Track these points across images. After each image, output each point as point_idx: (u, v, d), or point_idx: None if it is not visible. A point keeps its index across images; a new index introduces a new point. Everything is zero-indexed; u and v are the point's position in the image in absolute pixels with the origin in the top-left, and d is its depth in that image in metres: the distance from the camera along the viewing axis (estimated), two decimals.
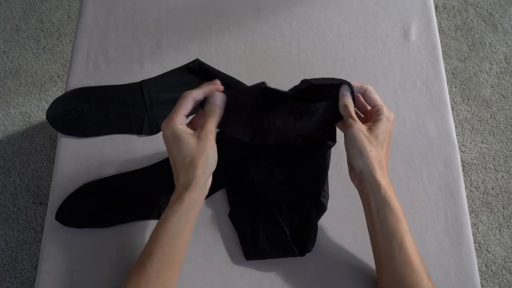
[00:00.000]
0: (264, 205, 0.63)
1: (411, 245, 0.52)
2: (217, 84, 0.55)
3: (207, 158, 0.51)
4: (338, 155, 0.66)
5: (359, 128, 0.53)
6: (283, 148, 0.63)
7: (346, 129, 0.54)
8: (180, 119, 0.53)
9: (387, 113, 0.55)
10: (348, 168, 0.58)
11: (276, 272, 0.60)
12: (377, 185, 0.53)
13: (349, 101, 0.55)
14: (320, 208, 0.62)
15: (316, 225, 0.62)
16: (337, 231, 0.63)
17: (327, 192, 0.63)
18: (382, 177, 0.53)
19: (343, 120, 0.56)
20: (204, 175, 0.52)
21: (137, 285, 0.51)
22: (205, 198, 0.63)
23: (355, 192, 0.64)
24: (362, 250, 0.61)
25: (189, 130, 0.53)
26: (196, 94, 0.54)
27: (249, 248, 0.61)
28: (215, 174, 0.55)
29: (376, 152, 0.53)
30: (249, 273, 0.61)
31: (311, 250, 0.61)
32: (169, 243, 0.52)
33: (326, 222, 0.63)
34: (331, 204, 0.64)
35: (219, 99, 0.54)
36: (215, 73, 0.72)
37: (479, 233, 1.20)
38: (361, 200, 0.56)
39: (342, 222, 0.63)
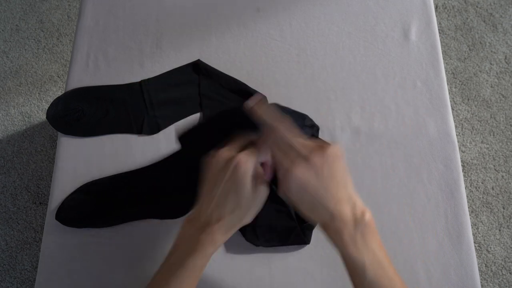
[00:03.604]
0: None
1: None
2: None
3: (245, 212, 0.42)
4: None
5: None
6: None
7: (286, 173, 0.40)
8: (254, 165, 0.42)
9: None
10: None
11: (276, 271, 0.60)
12: (360, 268, 0.38)
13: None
14: None
15: None
16: None
17: None
18: (364, 247, 0.37)
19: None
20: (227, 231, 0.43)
21: None
22: None
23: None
24: None
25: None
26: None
27: (250, 226, 0.60)
28: None
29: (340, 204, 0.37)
30: (249, 272, 0.61)
31: (315, 226, 0.61)
32: None
33: None
34: None
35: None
36: (216, 74, 0.72)
37: (479, 233, 1.20)
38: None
39: None
